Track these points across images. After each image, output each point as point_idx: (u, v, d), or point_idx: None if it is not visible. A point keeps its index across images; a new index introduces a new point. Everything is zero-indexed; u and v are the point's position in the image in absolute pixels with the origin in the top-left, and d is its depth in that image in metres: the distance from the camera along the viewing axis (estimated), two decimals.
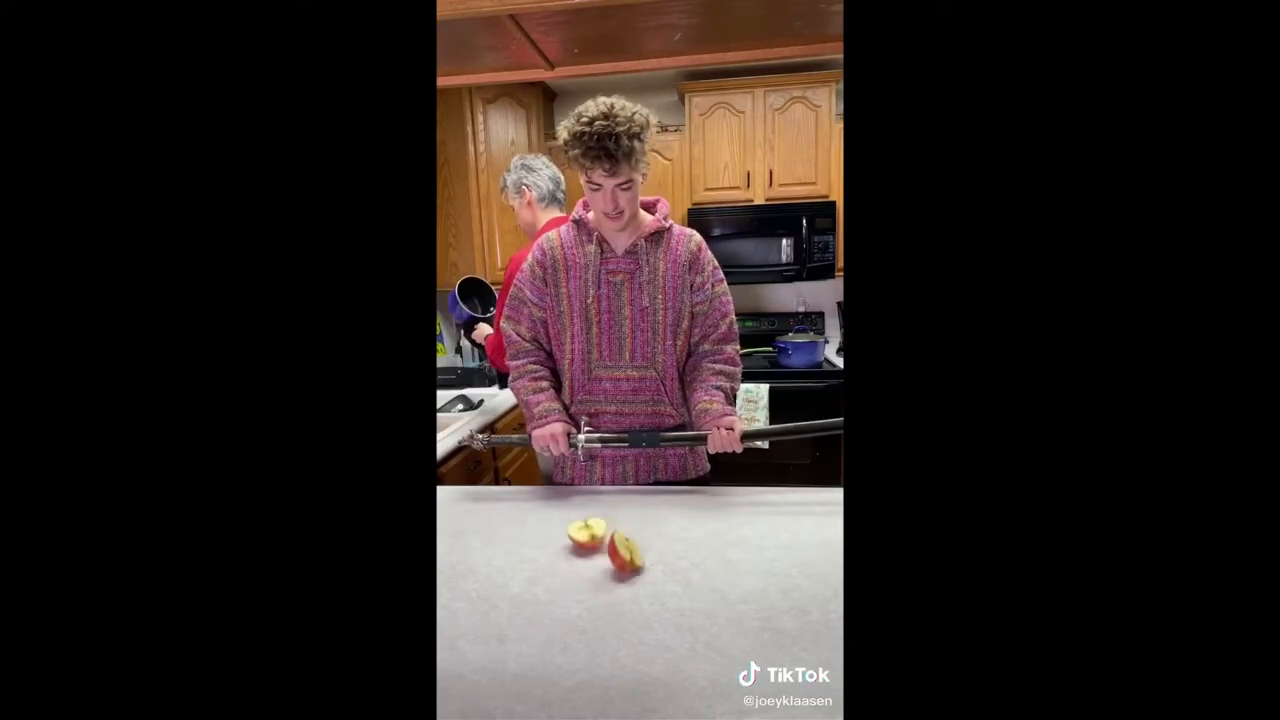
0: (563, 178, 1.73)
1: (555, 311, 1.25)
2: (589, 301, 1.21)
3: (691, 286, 1.23)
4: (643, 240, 1.20)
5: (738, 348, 1.28)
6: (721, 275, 1.27)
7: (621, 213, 1.15)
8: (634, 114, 1.09)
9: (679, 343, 1.24)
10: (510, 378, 1.31)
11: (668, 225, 1.23)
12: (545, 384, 1.26)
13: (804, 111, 2.61)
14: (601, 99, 1.10)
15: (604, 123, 1.06)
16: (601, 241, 1.21)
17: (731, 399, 1.23)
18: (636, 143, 1.09)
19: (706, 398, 1.20)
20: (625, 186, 1.12)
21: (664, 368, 1.22)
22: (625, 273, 1.21)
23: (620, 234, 1.21)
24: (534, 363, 1.28)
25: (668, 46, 1.24)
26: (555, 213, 1.70)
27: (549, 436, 1.19)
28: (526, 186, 1.69)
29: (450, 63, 1.29)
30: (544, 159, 1.75)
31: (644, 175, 1.15)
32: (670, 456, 1.26)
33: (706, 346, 1.25)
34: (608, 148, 1.06)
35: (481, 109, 2.52)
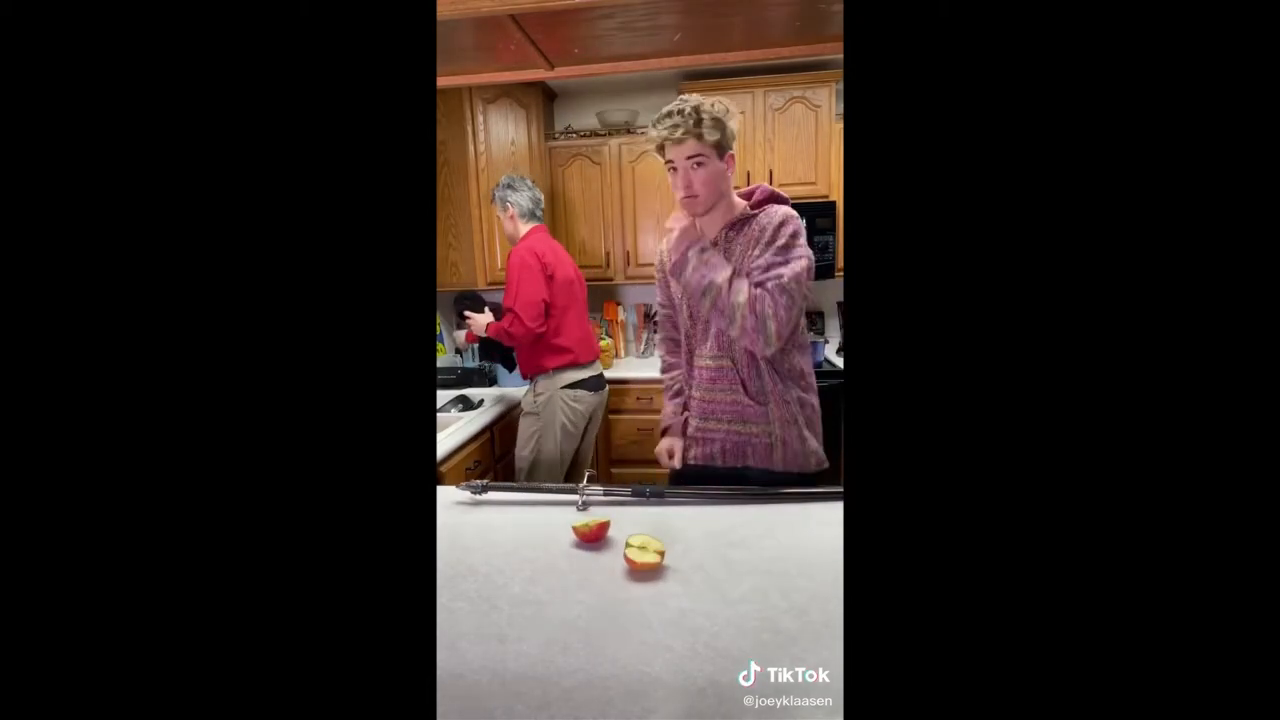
0: (541, 197, 2.09)
1: (673, 309, 1.36)
2: (681, 296, 1.29)
3: (754, 258, 1.17)
4: (726, 229, 1.23)
5: (796, 276, 1.13)
6: (801, 253, 1.15)
7: (695, 195, 1.18)
8: (708, 101, 1.17)
9: None
10: None
11: (754, 212, 1.22)
12: (668, 396, 1.42)
13: (804, 111, 2.61)
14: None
15: (678, 103, 1.16)
16: None
17: (713, 269, 1.17)
18: (706, 117, 1.14)
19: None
20: (698, 162, 1.16)
21: (740, 357, 1.24)
22: None
23: (711, 226, 1.24)
24: (665, 370, 1.46)
25: (668, 46, 1.24)
26: (534, 224, 2.07)
27: (656, 453, 1.41)
28: (510, 204, 2.05)
29: (450, 63, 1.29)
30: (528, 181, 2.09)
31: (725, 159, 1.19)
32: (758, 444, 1.25)
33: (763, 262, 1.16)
34: (676, 121, 1.14)
35: (481, 109, 2.52)
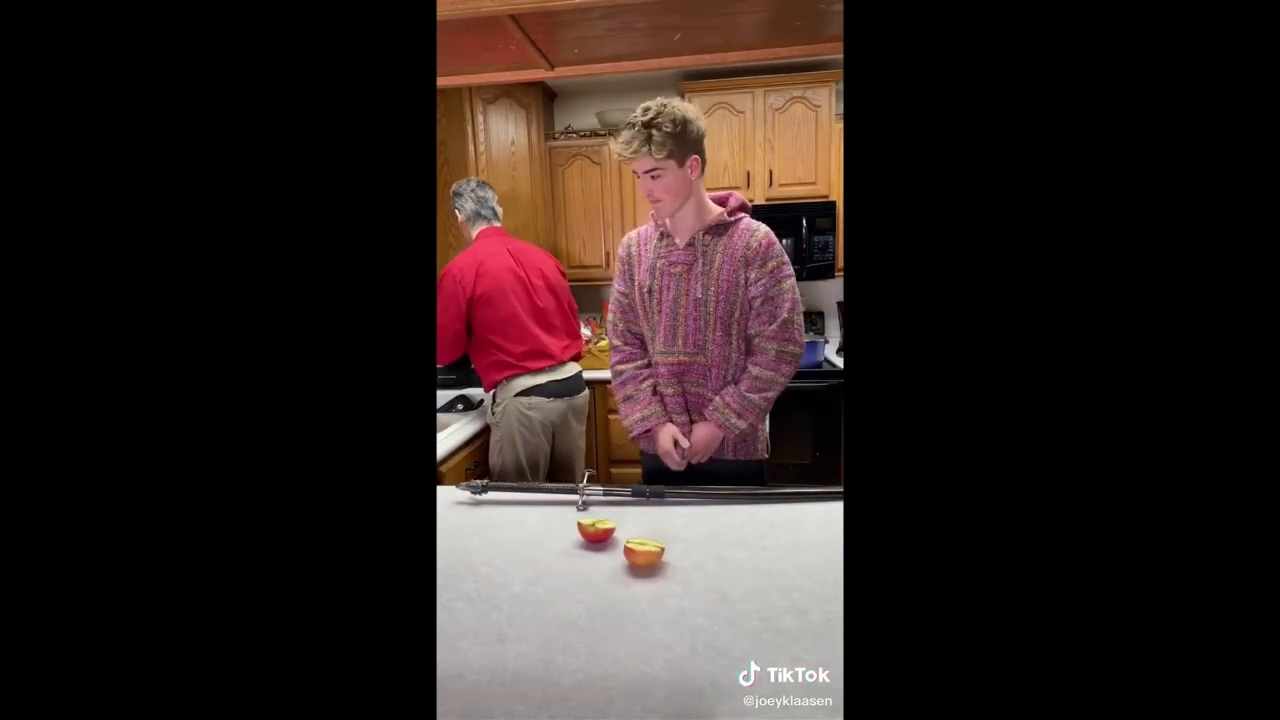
0: (489, 196, 2.01)
1: (635, 299, 1.36)
2: (648, 291, 1.32)
3: (749, 280, 1.26)
4: (702, 233, 1.27)
5: (793, 348, 1.29)
6: (789, 271, 1.29)
7: (659, 200, 1.23)
8: (667, 108, 1.18)
9: (733, 333, 1.29)
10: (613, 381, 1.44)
11: (733, 220, 1.28)
12: (632, 388, 1.36)
13: (804, 111, 2.61)
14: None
15: (637, 114, 1.19)
16: (666, 235, 1.30)
17: (748, 412, 1.28)
18: (655, 132, 1.17)
19: (720, 403, 1.28)
20: (654, 174, 1.21)
21: (712, 356, 1.29)
22: (684, 264, 1.28)
23: (681, 226, 1.28)
24: (622, 361, 1.39)
25: (668, 46, 1.24)
26: (485, 225, 1.99)
27: (662, 453, 1.32)
28: (457, 210, 2.00)
29: (451, 63, 1.29)
30: (474, 181, 2.02)
31: (688, 164, 1.22)
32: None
33: (759, 342, 1.29)
34: (627, 136, 1.18)
35: (481, 109, 2.52)
